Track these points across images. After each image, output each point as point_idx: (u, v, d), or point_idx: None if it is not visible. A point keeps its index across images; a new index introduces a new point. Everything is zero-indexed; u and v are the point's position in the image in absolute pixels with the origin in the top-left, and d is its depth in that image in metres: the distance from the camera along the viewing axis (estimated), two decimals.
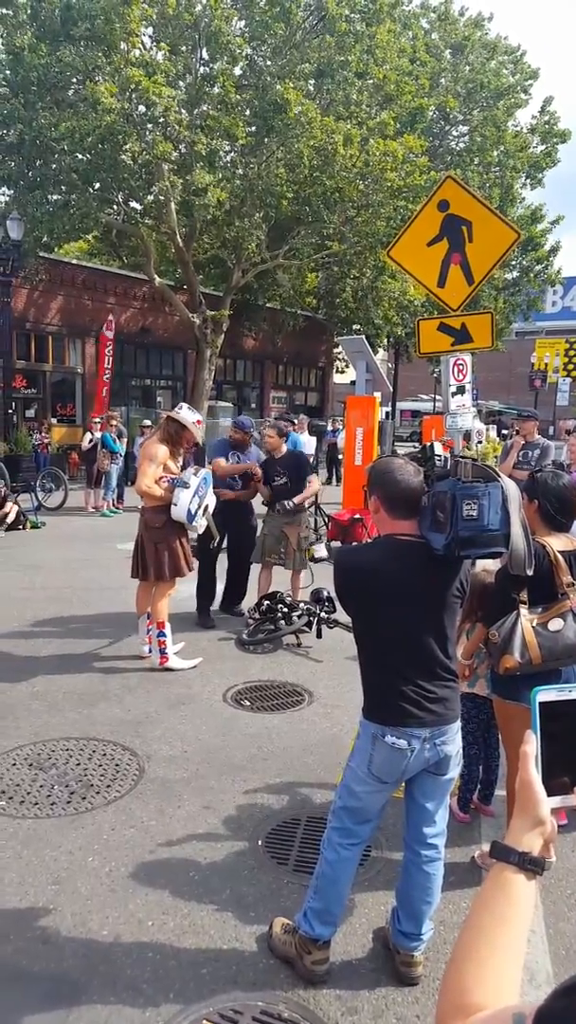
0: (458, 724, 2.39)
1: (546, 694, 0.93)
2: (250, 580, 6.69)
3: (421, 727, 2.28)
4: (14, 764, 3.89)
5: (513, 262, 24.45)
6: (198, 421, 5.35)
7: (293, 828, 3.36)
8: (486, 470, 2.26)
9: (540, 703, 0.92)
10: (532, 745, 0.88)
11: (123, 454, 13.26)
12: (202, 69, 15.54)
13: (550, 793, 0.86)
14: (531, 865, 0.77)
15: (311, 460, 12.98)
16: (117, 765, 3.91)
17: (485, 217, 5.69)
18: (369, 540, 3.90)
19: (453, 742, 2.36)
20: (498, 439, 12.14)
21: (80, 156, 14.36)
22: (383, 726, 2.31)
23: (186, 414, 5.27)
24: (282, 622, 5.97)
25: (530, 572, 2.30)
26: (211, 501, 5.45)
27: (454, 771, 2.41)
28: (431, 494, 2.27)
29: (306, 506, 6.68)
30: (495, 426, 19.61)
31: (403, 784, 2.46)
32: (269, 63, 15.71)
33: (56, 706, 4.64)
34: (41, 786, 3.67)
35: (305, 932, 2.43)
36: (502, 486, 2.22)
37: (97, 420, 13.45)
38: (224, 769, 3.89)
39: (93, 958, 2.54)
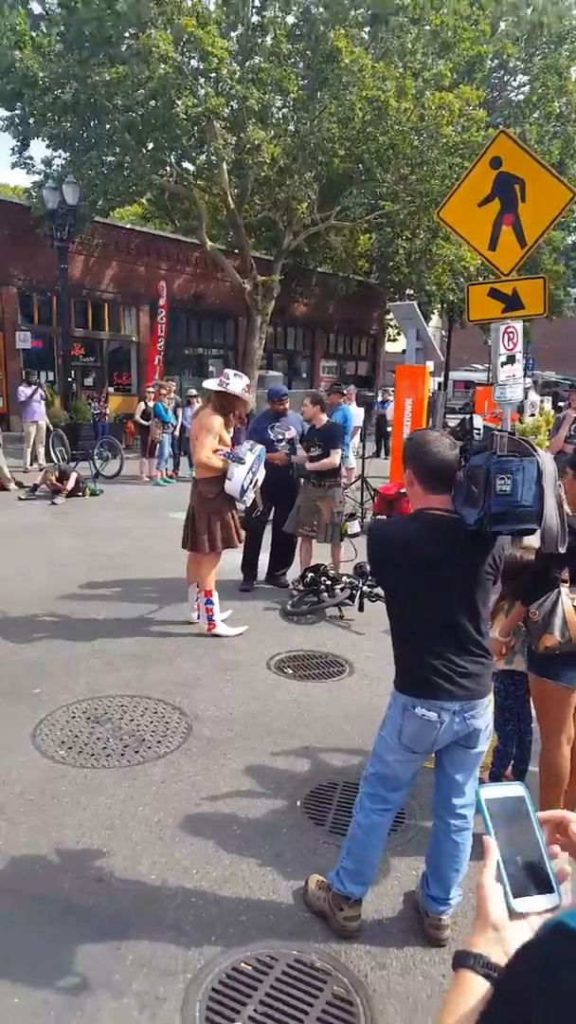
0: (489, 699, 2.45)
1: (488, 792, 0.93)
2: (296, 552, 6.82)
3: (451, 700, 2.34)
4: (73, 717, 4.14)
5: (574, 223, 23.50)
6: (247, 387, 5.33)
7: (330, 791, 3.52)
8: (522, 445, 2.23)
9: (486, 800, 0.92)
10: (492, 851, 0.88)
11: (176, 425, 13.41)
12: (254, 18, 15.18)
13: (517, 894, 0.86)
14: (485, 969, 0.81)
15: (360, 432, 12.92)
16: (167, 723, 4.13)
17: (539, 175, 5.44)
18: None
19: (483, 716, 2.42)
20: (553, 412, 11.84)
21: (133, 114, 14.28)
22: (414, 698, 2.37)
23: (234, 383, 5.22)
24: (325, 594, 6.10)
25: (562, 550, 2.32)
26: (261, 476, 5.54)
27: (483, 745, 2.48)
28: (466, 468, 2.25)
29: (341, 481, 6.68)
30: (551, 398, 19.04)
31: (434, 755, 2.54)
32: (322, 10, 15.23)
33: (112, 665, 4.89)
34: (98, 738, 3.91)
35: (338, 889, 2.57)
36: (537, 461, 2.19)
37: (150, 389, 13.63)
38: (266, 732, 4.07)
39: (141, 899, 2.75)
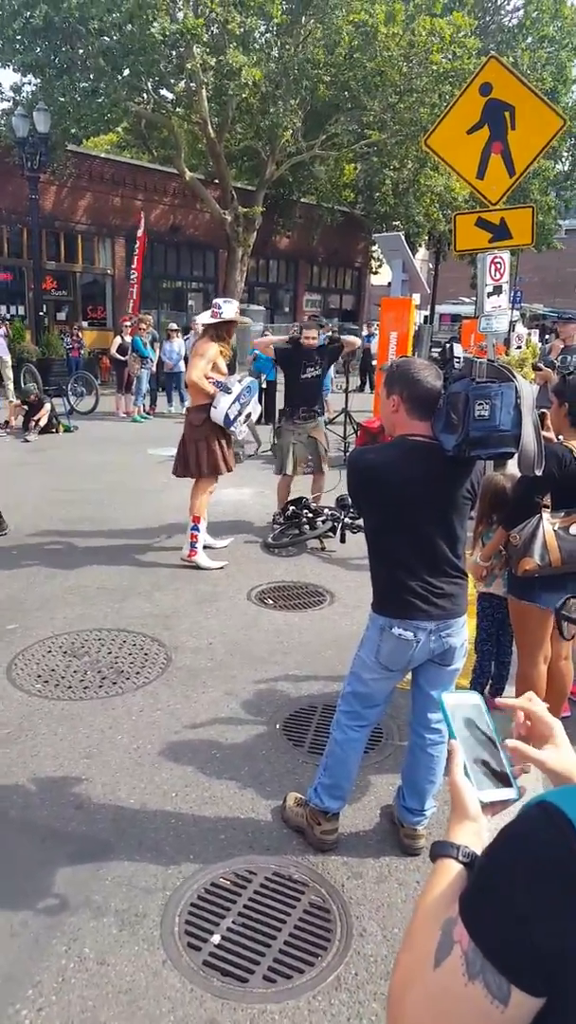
0: (464, 619, 2.47)
1: (449, 699, 1.00)
2: None
3: (427, 620, 2.36)
4: (49, 651, 4.12)
5: (565, 153, 22.84)
6: (238, 310, 5.54)
7: (310, 714, 3.55)
8: (501, 370, 2.25)
9: (449, 707, 0.99)
10: (457, 752, 0.93)
11: (154, 359, 13.13)
12: None
13: (480, 788, 0.92)
14: (466, 857, 0.83)
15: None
16: (146, 654, 4.12)
17: (530, 101, 5.28)
18: None
19: (458, 635, 2.44)
20: (540, 344, 11.73)
21: (107, 38, 13.58)
22: (391, 618, 2.40)
23: (226, 310, 5.37)
24: (307, 527, 6.06)
25: (539, 472, 2.31)
26: (254, 410, 5.57)
27: (458, 662, 2.51)
28: (446, 395, 2.27)
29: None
30: (538, 331, 18.85)
31: (409, 675, 2.57)
32: None
33: (89, 600, 4.85)
34: (75, 672, 3.89)
35: (316, 804, 2.61)
36: (516, 386, 2.21)
37: (127, 324, 13.28)
38: (247, 660, 4.08)
39: (121, 822, 2.77)
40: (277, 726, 3.44)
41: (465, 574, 2.48)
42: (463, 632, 2.47)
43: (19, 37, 13.94)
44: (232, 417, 5.30)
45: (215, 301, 5.56)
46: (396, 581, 2.39)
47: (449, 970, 0.72)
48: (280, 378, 7.10)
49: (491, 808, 0.91)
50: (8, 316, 15.04)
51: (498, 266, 5.96)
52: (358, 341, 6.60)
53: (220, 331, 5.45)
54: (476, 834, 0.87)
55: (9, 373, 12.92)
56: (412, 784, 2.62)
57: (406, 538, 2.37)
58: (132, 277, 17.04)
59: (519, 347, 10.41)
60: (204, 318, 5.54)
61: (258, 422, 5.78)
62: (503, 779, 0.93)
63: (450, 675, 2.51)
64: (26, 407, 10.79)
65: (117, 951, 2.21)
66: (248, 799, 2.91)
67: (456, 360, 2.31)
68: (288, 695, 3.73)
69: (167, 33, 12.70)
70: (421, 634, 2.37)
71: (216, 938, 2.24)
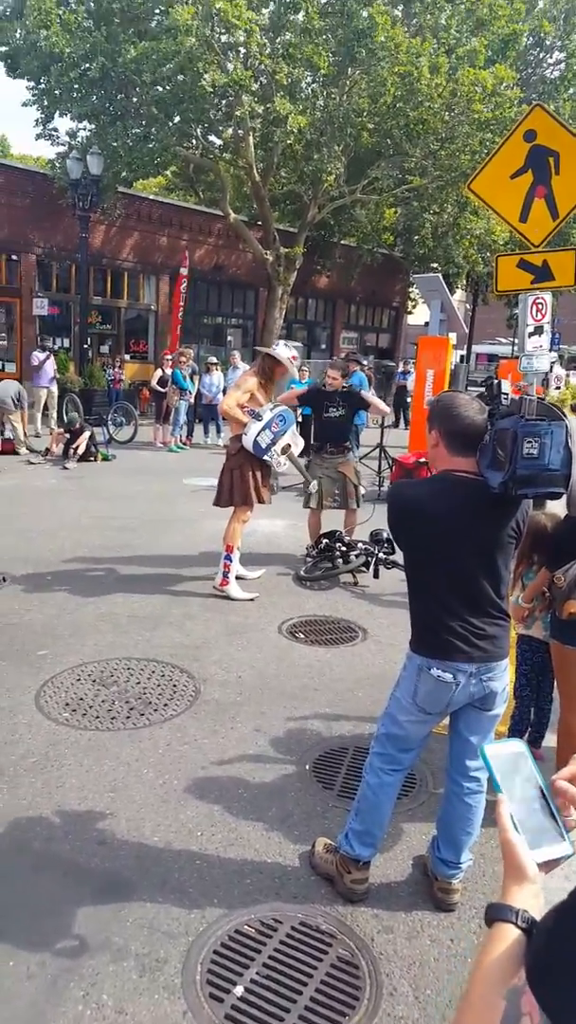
0: (506, 662, 2.38)
1: (491, 749, 0.96)
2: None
3: (468, 662, 2.28)
4: (78, 679, 4.08)
5: None
6: (293, 357, 5.51)
7: (340, 755, 3.44)
8: (551, 409, 2.21)
9: (491, 756, 0.94)
10: (504, 806, 0.88)
11: (193, 392, 13.34)
12: None
13: (531, 846, 0.86)
14: (525, 923, 0.79)
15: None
16: (175, 686, 4.06)
17: (573, 147, 5.33)
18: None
19: (500, 679, 2.35)
20: None
21: (160, 88, 14.13)
22: (429, 659, 2.32)
23: (281, 350, 5.45)
24: (340, 560, 5.99)
25: None
26: (296, 443, 5.55)
27: (499, 708, 2.41)
28: (493, 431, 2.22)
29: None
30: None
31: (447, 720, 2.47)
32: None
33: (120, 628, 4.82)
34: (103, 701, 3.85)
35: (346, 852, 2.50)
36: (566, 425, 2.16)
37: (168, 357, 13.54)
38: (276, 696, 3.99)
39: (145, 860, 2.68)
40: (307, 766, 3.34)
41: (508, 615, 2.39)
42: (505, 676, 2.38)
43: (76, 87, 14.58)
44: (264, 445, 5.26)
45: (277, 340, 5.68)
46: (435, 620, 2.31)
47: None
48: None
49: (545, 866, 0.86)
50: (54, 348, 15.46)
51: (540, 307, 5.93)
52: (387, 410, 6.70)
53: (267, 369, 5.45)
54: (534, 896, 0.82)
55: (55, 403, 13.28)
56: (448, 835, 2.50)
57: (446, 575, 2.30)
58: (179, 313, 17.41)
59: (558, 387, 10.34)
60: (280, 351, 5.48)
61: (300, 455, 5.78)
62: (554, 832, 0.88)
63: (491, 720, 2.41)
64: (68, 435, 10.99)
65: (136, 999, 2.12)
66: (275, 842, 2.81)
67: (504, 396, 2.28)
68: (319, 734, 3.63)
69: (217, 85, 13.15)
70: (461, 676, 2.29)
71: (239, 989, 2.14)
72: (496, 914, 0.81)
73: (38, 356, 12.97)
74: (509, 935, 0.78)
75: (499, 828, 0.87)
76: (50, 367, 13.07)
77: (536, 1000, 0.67)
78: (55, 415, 13.13)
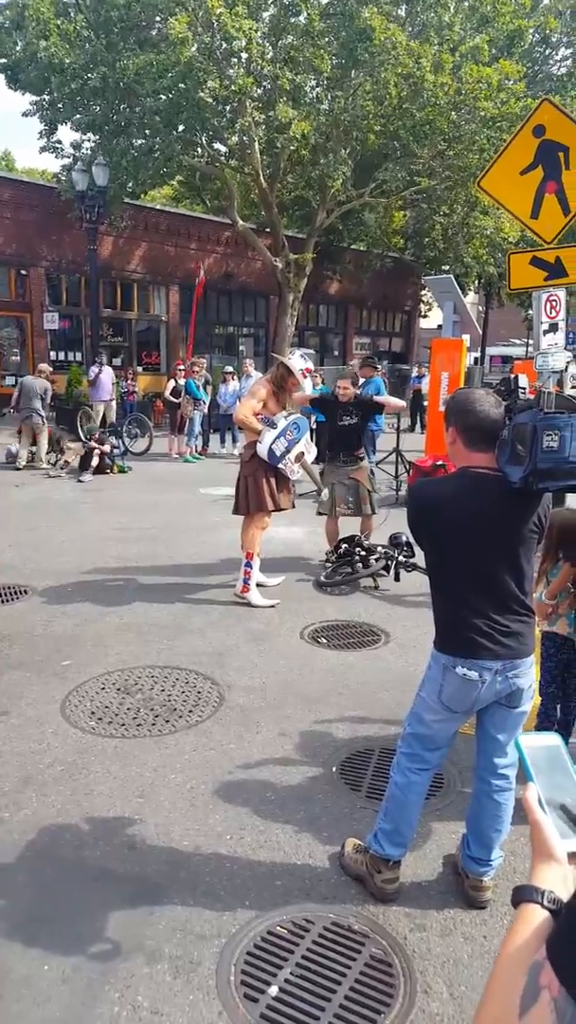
0: (531, 659, 2.37)
1: (526, 740, 0.96)
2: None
3: (493, 659, 2.28)
4: (103, 688, 4.11)
5: None
6: (306, 369, 5.50)
7: (367, 757, 3.44)
8: (570, 401, 2.20)
9: (525, 748, 0.94)
10: (532, 791, 0.89)
11: (207, 401, 13.38)
12: None
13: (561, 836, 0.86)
14: (553, 904, 0.79)
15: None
16: (199, 692, 4.08)
17: None
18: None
19: (526, 675, 2.34)
20: None
21: (162, 97, 14.23)
22: (454, 657, 2.31)
23: (296, 361, 5.45)
24: (359, 565, 6.00)
25: None
26: (309, 451, 5.55)
27: (526, 704, 2.40)
28: (511, 426, 2.21)
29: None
30: None
31: (473, 719, 2.47)
32: None
33: (143, 636, 4.85)
34: (128, 709, 3.87)
35: (376, 852, 2.51)
36: None
37: (181, 368, 13.60)
38: (300, 700, 4.00)
39: (174, 865, 2.70)
40: (333, 769, 3.34)
41: (532, 611, 2.38)
42: (531, 673, 2.37)
43: (78, 98, 14.70)
44: (278, 453, 5.27)
45: (294, 350, 5.65)
46: (459, 618, 2.31)
47: (536, 1017, 0.67)
48: None
49: (574, 857, 0.85)
50: (75, 360, 15.61)
51: (554, 304, 5.91)
52: (402, 404, 6.77)
53: (279, 378, 5.46)
54: (563, 879, 0.81)
55: (112, 416, 13.55)
56: (478, 833, 2.49)
57: (469, 573, 2.30)
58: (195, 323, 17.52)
59: (573, 386, 10.26)
60: (295, 362, 5.48)
61: (314, 462, 5.79)
62: None
63: (518, 718, 2.40)
64: (85, 448, 11.10)
65: (172, 1000, 2.13)
66: (305, 844, 2.82)
67: (521, 390, 2.28)
68: (344, 737, 3.63)
69: (217, 94, 13.24)
70: (487, 674, 2.28)
71: (274, 990, 2.15)
72: (522, 895, 0.81)
73: (93, 370, 13.21)
74: (536, 916, 0.78)
75: (526, 810, 0.88)
76: (107, 380, 13.26)
77: (555, 973, 0.67)
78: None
